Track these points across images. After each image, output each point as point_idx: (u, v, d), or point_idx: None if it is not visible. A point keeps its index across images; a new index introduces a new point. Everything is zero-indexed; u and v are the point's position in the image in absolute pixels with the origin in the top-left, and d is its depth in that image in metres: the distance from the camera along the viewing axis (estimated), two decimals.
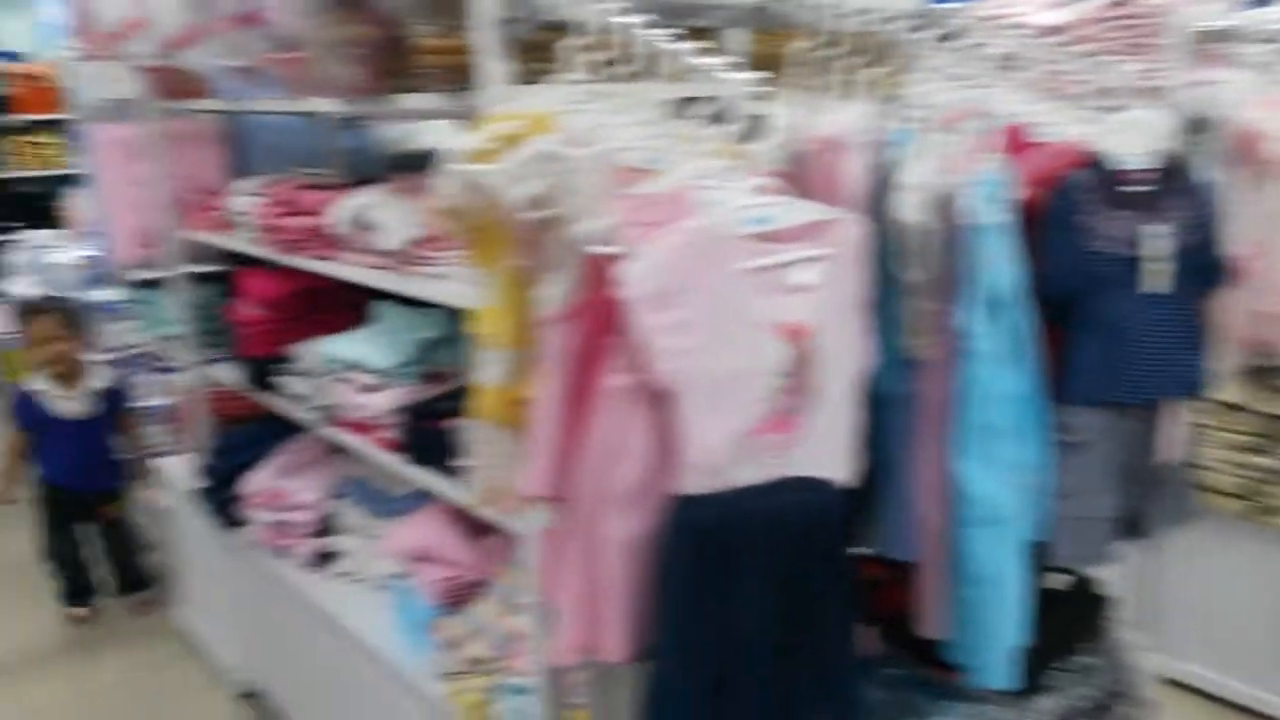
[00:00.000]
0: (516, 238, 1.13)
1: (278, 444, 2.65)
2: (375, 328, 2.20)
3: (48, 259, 4.18)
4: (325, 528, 2.49)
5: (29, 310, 3.39)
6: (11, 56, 6.28)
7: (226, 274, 2.66)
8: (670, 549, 1.07)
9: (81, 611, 3.39)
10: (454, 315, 2.20)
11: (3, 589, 3.58)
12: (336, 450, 2.65)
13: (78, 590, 3.41)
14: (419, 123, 3.29)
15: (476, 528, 2.19)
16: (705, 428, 1.04)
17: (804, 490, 1.14)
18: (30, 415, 3.27)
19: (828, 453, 1.16)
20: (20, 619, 3.39)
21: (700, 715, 1.13)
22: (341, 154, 2.86)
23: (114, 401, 3.40)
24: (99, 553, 3.45)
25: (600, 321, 1.03)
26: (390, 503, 2.35)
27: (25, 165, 6.23)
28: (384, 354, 2.08)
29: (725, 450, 1.06)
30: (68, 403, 3.28)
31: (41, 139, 6.29)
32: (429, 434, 2.00)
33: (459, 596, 2.06)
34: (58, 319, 3.29)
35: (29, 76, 6.19)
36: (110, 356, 3.72)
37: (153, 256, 2.80)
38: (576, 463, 1.09)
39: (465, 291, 1.74)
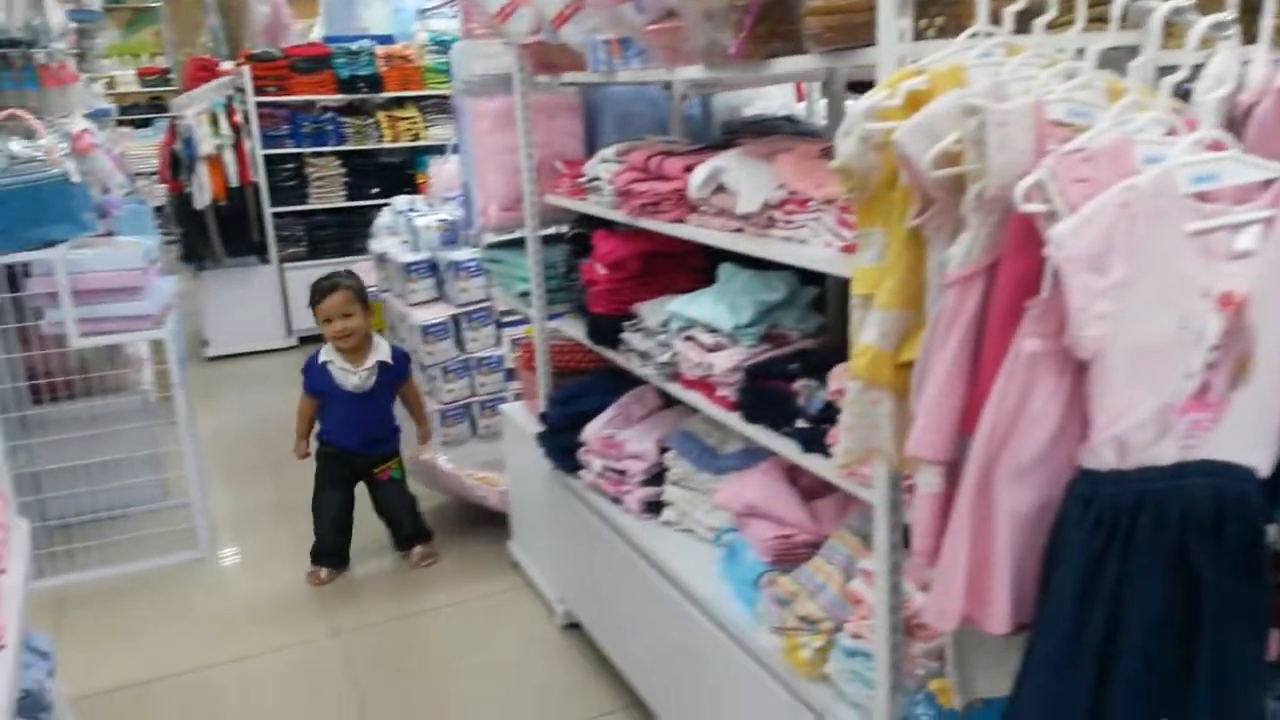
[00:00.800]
0: (919, 196, 1.12)
1: (615, 396, 2.82)
2: (721, 289, 2.27)
3: (411, 221, 4.65)
4: (655, 478, 2.62)
5: (324, 286, 3.50)
6: (385, 40, 7.02)
7: (577, 236, 2.84)
8: (1070, 524, 1.03)
9: (321, 574, 3.51)
10: (798, 279, 2.24)
11: None
12: (669, 405, 2.78)
13: (325, 551, 3.55)
14: (752, 90, 3.35)
15: (810, 489, 2.22)
16: (1124, 400, 0.99)
17: (1222, 476, 1.05)
18: (318, 382, 3.51)
19: (1253, 437, 1.06)
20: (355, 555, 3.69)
21: (1082, 697, 1.09)
22: (686, 122, 2.97)
23: (395, 372, 3.61)
24: (377, 510, 3.66)
25: (1015, 283, 1.01)
26: (720, 459, 2.44)
27: (390, 138, 6.97)
28: (730, 314, 2.14)
29: (1142, 426, 1.00)
30: (351, 376, 3.49)
31: (403, 114, 7.02)
32: (768, 394, 2.05)
33: (790, 555, 2.10)
34: (350, 295, 3.47)
35: (394, 57, 6.91)
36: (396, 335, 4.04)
37: (512, 219, 3.04)
38: (971, 428, 1.07)
39: (821, 255, 1.77)
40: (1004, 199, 1.02)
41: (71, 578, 3.57)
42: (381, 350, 3.59)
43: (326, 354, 3.50)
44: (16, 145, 3.24)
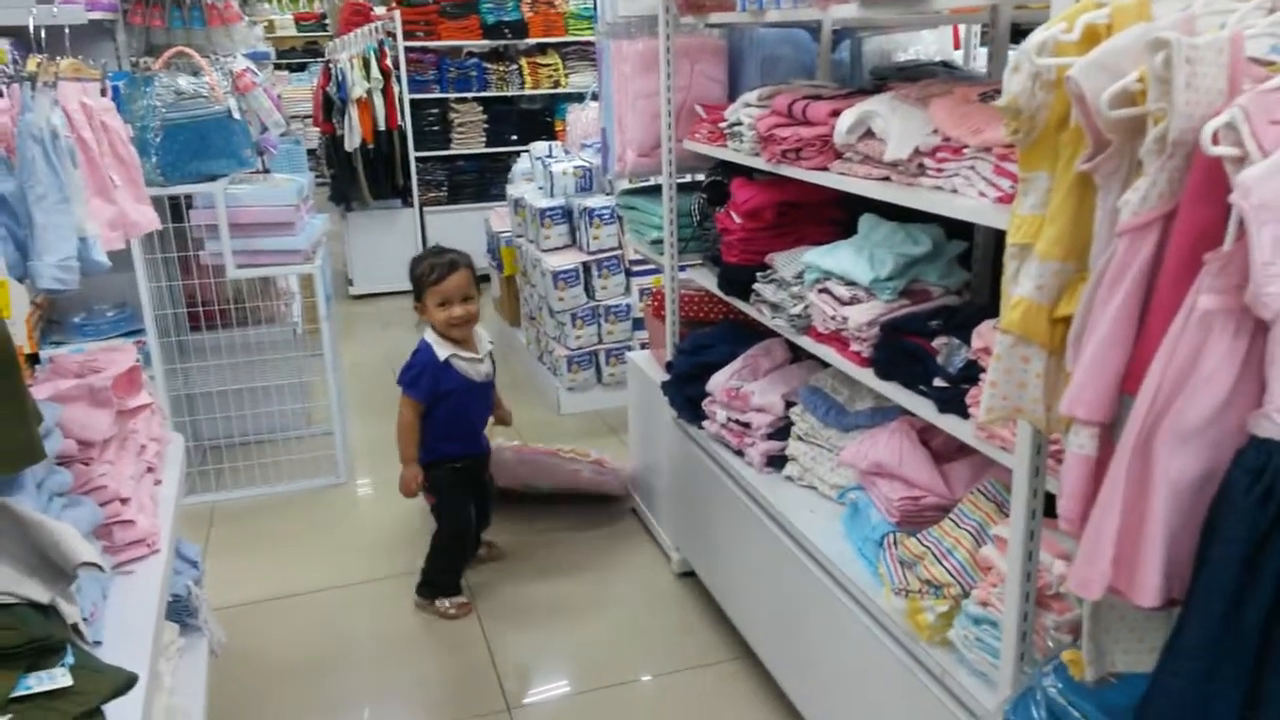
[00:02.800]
0: (1091, 139, 1.05)
1: (742, 348, 2.79)
2: (861, 241, 2.20)
3: (548, 167, 4.69)
4: (780, 433, 2.58)
5: (441, 263, 2.90)
6: None
7: (714, 184, 2.80)
8: (1236, 496, 0.95)
9: (467, 602, 3.05)
10: (943, 233, 2.15)
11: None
12: (797, 359, 2.74)
13: (459, 575, 3.10)
14: (905, 36, 3.22)
15: (940, 451, 2.15)
16: None
17: None
18: (446, 382, 2.90)
19: None
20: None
21: (1234, 685, 1.01)
22: (834, 67, 2.87)
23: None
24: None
25: (1194, 233, 0.93)
26: (848, 416, 2.38)
27: (531, 85, 7.03)
28: (870, 267, 2.07)
29: None
30: (479, 365, 2.97)
31: (545, 60, 7.06)
32: (905, 350, 1.98)
33: (918, 518, 2.04)
34: (471, 274, 2.93)
35: (539, 2, 6.94)
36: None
37: (649, 165, 3.03)
38: (1133, 388, 1.00)
39: (974, 206, 1.69)
40: (1187, 142, 0.94)
41: (219, 496, 3.81)
42: (481, 331, 3.07)
43: (443, 348, 2.90)
44: (184, 81, 3.41)
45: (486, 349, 3.02)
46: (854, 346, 2.12)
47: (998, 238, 2.41)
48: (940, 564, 1.85)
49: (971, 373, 1.79)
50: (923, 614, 1.81)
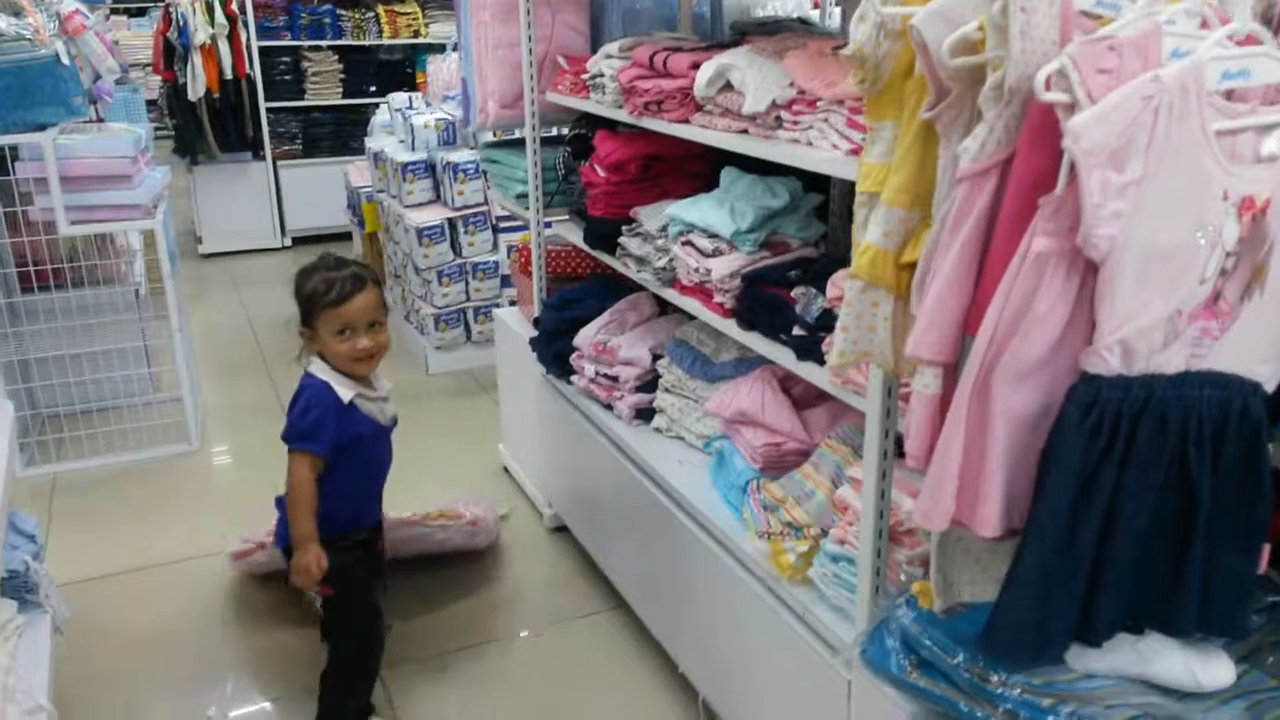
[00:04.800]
0: (934, 87, 1.08)
1: (609, 303, 2.79)
2: (722, 194, 2.22)
3: (408, 120, 4.55)
4: (647, 385, 2.61)
5: (341, 278, 2.16)
6: None
7: (578, 137, 2.77)
8: (1069, 429, 1.01)
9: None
10: (801, 186, 2.19)
11: None
12: (664, 313, 2.76)
13: (372, 687, 2.38)
14: None
15: (801, 399, 2.21)
16: (1132, 304, 0.96)
17: (1225, 388, 1.03)
18: (352, 426, 2.19)
19: (1260, 350, 1.04)
20: None
21: (1069, 605, 1.09)
22: (694, 20, 2.87)
23: None
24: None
25: (1029, 178, 0.97)
26: (713, 368, 2.42)
27: (389, 34, 6.78)
28: (731, 220, 2.10)
29: (1150, 331, 0.98)
30: (385, 407, 2.30)
31: (403, 9, 6.81)
32: (765, 301, 2.02)
33: (780, 463, 2.10)
34: (380, 293, 2.24)
35: None
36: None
37: (511, 117, 2.97)
38: (974, 329, 1.04)
39: (828, 158, 1.72)
40: (1023, 90, 0.98)
41: (60, 467, 3.58)
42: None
43: (344, 387, 2.19)
44: (2, 23, 3.14)
45: (387, 386, 2.33)
46: (717, 298, 2.15)
47: (852, 190, 2.48)
48: (800, 506, 1.91)
49: (828, 321, 1.83)
50: (785, 555, 1.87)
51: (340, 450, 2.18)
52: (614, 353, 2.64)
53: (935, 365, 1.08)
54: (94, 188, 3.35)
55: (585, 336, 2.74)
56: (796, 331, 1.91)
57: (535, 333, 3.00)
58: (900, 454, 1.61)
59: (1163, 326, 0.98)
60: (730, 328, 2.11)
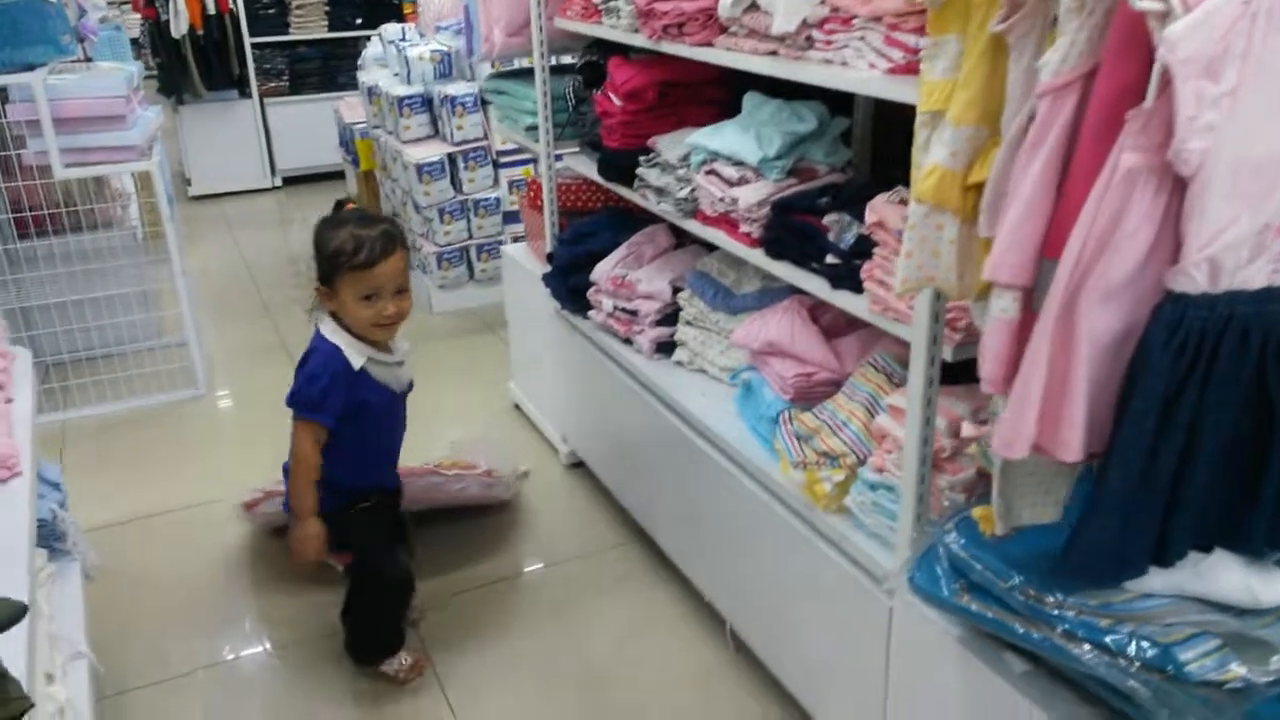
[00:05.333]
0: None
1: (625, 235, 2.74)
2: (746, 120, 2.17)
3: (402, 52, 4.43)
4: (668, 319, 2.58)
5: (370, 237, 2.01)
6: None
7: (590, 64, 2.70)
8: (1155, 349, 0.99)
9: (420, 658, 2.35)
10: (827, 110, 2.14)
11: None
12: (681, 244, 2.72)
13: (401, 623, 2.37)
14: None
15: (829, 328, 2.19)
16: (1222, 218, 0.94)
17: None
18: (362, 394, 2.10)
19: None
20: None
21: (1149, 526, 1.08)
22: None
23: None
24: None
25: (1116, 91, 0.94)
26: (736, 299, 2.39)
27: None
28: (758, 146, 2.05)
29: (1237, 246, 0.95)
30: (399, 371, 2.20)
31: None
32: (795, 229, 1.99)
33: (811, 393, 2.08)
34: (406, 255, 2.10)
35: None
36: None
37: (518, 46, 2.89)
38: (1054, 252, 1.02)
39: (865, 78, 1.67)
40: None
41: (68, 414, 3.55)
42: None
43: (356, 351, 2.08)
44: None
45: (405, 348, 2.22)
46: (744, 228, 2.11)
47: (877, 114, 2.43)
48: (836, 436, 1.90)
49: (863, 248, 1.80)
50: (820, 484, 1.87)
51: (346, 418, 2.09)
52: (633, 286, 2.61)
53: (1014, 289, 1.06)
54: (88, 129, 3.26)
55: (602, 271, 2.70)
56: (830, 260, 1.88)
57: (548, 269, 2.96)
58: (944, 380, 1.61)
59: (1250, 241, 0.96)
60: (758, 257, 2.08)
